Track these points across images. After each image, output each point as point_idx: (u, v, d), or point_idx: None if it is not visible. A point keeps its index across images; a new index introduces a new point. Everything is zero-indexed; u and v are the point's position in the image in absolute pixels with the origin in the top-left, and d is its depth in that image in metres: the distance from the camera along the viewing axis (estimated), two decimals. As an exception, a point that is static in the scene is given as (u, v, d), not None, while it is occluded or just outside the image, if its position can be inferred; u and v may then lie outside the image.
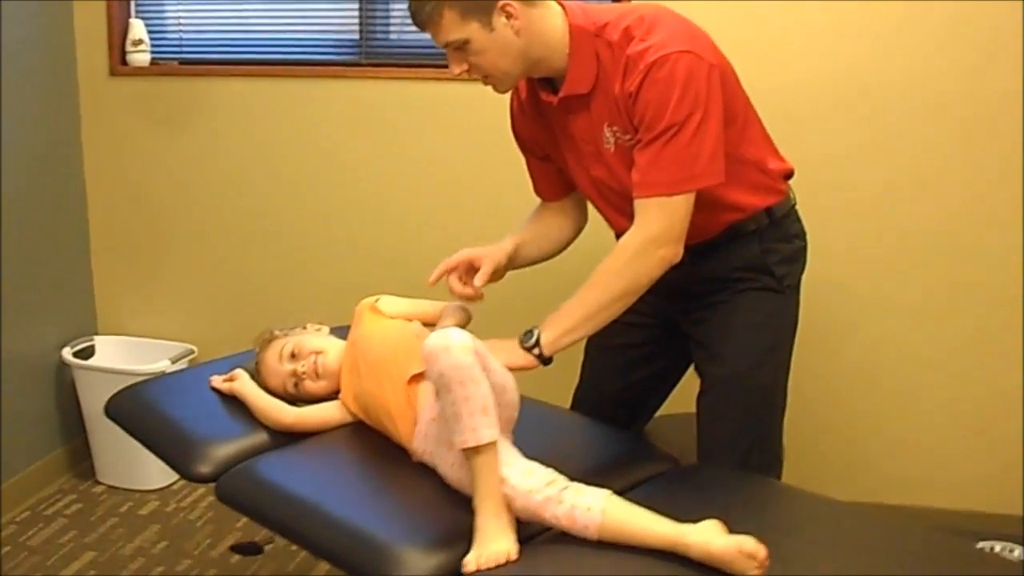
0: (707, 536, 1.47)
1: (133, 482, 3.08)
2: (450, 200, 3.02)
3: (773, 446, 2.05)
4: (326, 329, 2.10)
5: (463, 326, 1.95)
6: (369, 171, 3.05)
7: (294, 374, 1.97)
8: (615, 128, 1.85)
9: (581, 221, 2.13)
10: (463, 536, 1.55)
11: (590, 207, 2.09)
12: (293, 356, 1.98)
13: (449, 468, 1.70)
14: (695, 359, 2.06)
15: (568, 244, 2.12)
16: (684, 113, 1.74)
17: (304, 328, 2.08)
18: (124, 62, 3.10)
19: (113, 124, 3.15)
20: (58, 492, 3.05)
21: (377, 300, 2.04)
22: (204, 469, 1.83)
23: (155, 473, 3.05)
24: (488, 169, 2.94)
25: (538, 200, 2.14)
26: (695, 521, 1.50)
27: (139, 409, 1.99)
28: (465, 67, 1.84)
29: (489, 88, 1.91)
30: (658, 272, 1.81)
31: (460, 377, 1.57)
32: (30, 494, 2.99)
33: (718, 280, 1.98)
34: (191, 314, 3.25)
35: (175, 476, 3.11)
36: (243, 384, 1.98)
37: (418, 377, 1.78)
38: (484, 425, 1.56)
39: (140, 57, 3.09)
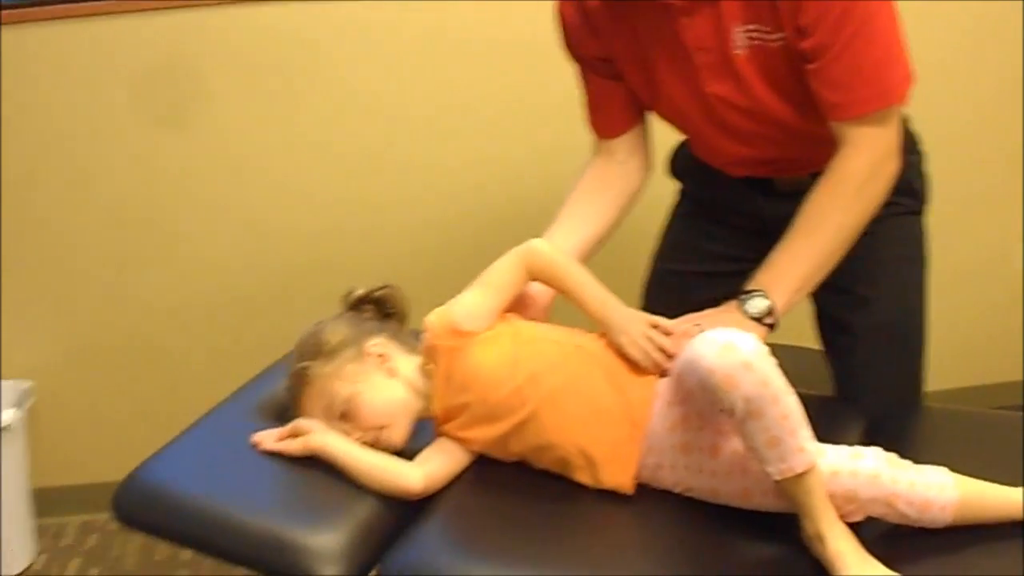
0: None
1: (-18, 569, 2.35)
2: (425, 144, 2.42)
3: (920, 382, 1.77)
4: (396, 355, 1.45)
5: None
6: (306, 106, 2.37)
7: (346, 433, 1.41)
8: (752, 27, 1.43)
9: (647, 168, 1.70)
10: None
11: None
12: (343, 417, 1.40)
13: (721, 480, 1.32)
14: (823, 304, 1.70)
15: (634, 202, 1.69)
16: None
17: (365, 354, 1.43)
18: None
19: None
20: None
21: (450, 315, 1.41)
22: (330, 572, 1.28)
23: (10, 549, 2.35)
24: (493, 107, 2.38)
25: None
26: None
27: (177, 509, 1.35)
28: None
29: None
30: (887, 190, 1.47)
31: (772, 394, 1.20)
32: None
33: None
34: (19, 336, 2.44)
35: (37, 549, 2.40)
36: (327, 440, 1.38)
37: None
38: (806, 438, 1.23)
39: None
